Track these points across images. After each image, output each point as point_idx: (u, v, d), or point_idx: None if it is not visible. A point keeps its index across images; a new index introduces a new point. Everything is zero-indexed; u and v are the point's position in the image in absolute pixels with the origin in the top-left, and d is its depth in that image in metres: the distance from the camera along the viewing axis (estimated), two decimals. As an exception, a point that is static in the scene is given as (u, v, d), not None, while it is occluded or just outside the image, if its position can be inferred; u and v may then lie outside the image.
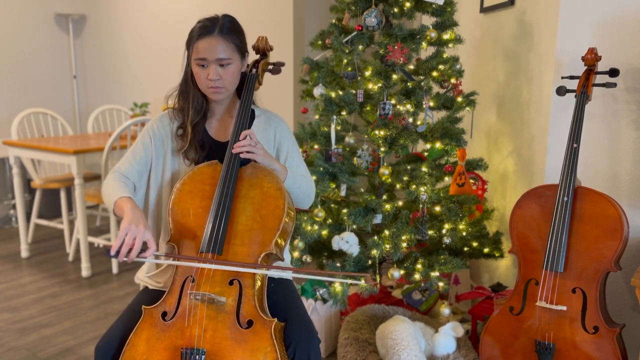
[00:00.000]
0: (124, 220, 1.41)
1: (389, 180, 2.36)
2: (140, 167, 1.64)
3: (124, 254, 1.35)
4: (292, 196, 1.64)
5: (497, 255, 2.47)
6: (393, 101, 2.33)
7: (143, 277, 1.68)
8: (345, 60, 2.38)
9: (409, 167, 2.41)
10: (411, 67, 2.37)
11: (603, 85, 1.94)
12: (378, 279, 2.51)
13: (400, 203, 2.44)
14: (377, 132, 2.29)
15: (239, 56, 1.60)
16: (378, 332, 2.20)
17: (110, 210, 1.54)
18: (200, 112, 1.65)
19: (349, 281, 1.59)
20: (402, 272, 2.28)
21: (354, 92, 2.38)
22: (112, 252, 1.35)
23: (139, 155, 1.65)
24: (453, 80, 2.40)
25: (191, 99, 1.64)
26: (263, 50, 1.77)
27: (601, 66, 2.05)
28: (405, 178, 2.36)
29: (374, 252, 2.24)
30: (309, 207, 2.41)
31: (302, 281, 2.59)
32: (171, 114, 1.69)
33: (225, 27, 1.56)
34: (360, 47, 2.31)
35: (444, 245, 2.37)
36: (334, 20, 2.50)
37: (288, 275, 1.74)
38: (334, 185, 2.41)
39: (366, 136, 2.36)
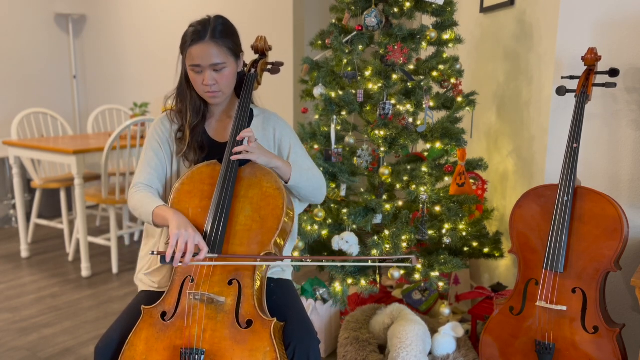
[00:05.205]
0: (171, 227, 1.42)
1: (389, 180, 2.36)
2: (158, 173, 1.64)
3: (178, 259, 1.38)
4: (302, 191, 1.62)
5: (497, 255, 2.47)
6: (393, 101, 2.33)
7: (141, 277, 1.68)
8: (345, 60, 2.38)
9: (409, 167, 2.40)
10: (411, 67, 2.37)
11: (603, 85, 1.94)
12: (378, 279, 2.51)
13: (400, 203, 2.44)
14: (377, 132, 2.29)
15: (233, 59, 1.59)
16: (390, 332, 2.20)
17: (148, 221, 1.54)
18: (198, 114, 1.65)
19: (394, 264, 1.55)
20: (402, 272, 2.28)
21: (354, 92, 2.37)
22: (167, 259, 1.39)
23: (154, 162, 1.64)
24: (453, 80, 2.40)
25: (189, 101, 1.64)
26: (262, 50, 1.77)
27: (601, 66, 2.05)
28: (405, 178, 2.36)
29: (374, 252, 2.24)
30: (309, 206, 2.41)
31: (302, 281, 2.58)
32: (170, 116, 1.69)
33: (217, 31, 1.54)
34: (360, 47, 2.31)
35: (444, 245, 2.37)
36: (334, 20, 2.50)
37: (288, 275, 1.74)
38: (334, 185, 2.41)
39: (366, 136, 2.36)
